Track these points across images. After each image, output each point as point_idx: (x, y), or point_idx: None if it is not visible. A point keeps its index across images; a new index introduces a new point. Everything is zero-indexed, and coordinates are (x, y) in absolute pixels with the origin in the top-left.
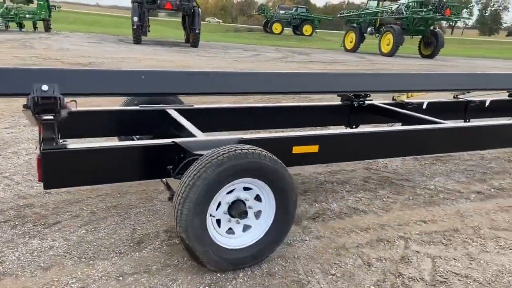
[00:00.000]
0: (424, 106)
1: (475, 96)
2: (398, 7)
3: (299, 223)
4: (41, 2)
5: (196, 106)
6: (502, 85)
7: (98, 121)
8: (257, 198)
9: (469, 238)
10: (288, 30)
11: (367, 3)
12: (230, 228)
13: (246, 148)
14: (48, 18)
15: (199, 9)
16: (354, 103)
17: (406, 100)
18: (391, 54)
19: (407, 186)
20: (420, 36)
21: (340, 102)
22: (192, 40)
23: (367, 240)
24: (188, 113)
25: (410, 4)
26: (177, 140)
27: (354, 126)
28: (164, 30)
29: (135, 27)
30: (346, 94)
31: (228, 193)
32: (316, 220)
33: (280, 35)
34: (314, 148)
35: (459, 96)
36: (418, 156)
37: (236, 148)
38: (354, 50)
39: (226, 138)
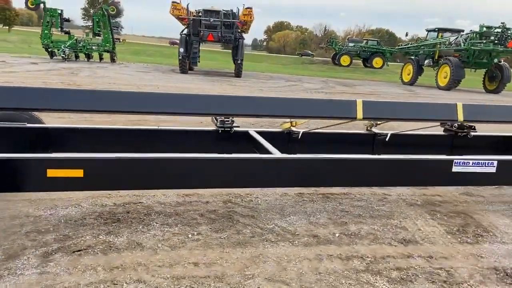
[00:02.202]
0: (299, 136)
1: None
2: (456, 38)
3: (50, 255)
4: (106, 36)
5: (28, 125)
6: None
7: None
8: None
9: (216, 286)
10: (359, 63)
11: (426, 35)
12: None
13: None
14: (111, 50)
15: (243, 41)
16: (219, 128)
17: (294, 129)
18: (448, 88)
19: (242, 223)
20: (485, 70)
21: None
22: (235, 70)
23: (90, 282)
24: (18, 132)
25: (469, 35)
26: None
27: None
28: (229, 62)
29: (180, 57)
30: (212, 118)
31: None
32: (72, 254)
33: (348, 68)
34: (78, 173)
35: (372, 128)
36: (308, 191)
37: None
38: (411, 83)
39: None
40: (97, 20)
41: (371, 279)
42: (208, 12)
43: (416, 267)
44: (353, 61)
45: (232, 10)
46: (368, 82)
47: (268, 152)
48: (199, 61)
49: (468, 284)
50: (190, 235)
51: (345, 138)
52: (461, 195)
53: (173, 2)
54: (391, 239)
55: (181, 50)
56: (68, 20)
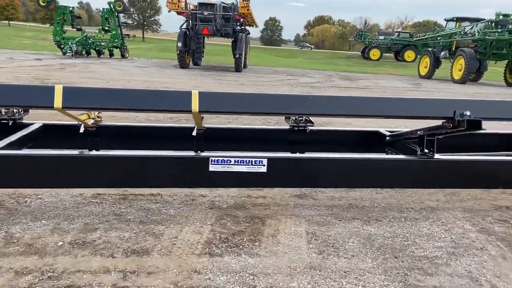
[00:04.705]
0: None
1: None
2: (471, 28)
3: None
4: (114, 32)
5: None
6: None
7: None
8: None
9: None
10: (391, 56)
11: (445, 25)
12: None
13: None
14: (120, 46)
15: (243, 35)
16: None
17: (89, 122)
18: (463, 81)
19: None
20: (506, 61)
21: None
22: (235, 65)
23: None
24: None
25: (483, 24)
26: None
27: None
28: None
29: (178, 52)
30: None
31: None
32: None
33: (378, 62)
34: None
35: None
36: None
37: None
38: (428, 76)
39: None
40: (106, 16)
41: None
42: (203, 5)
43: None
44: (385, 54)
45: (233, 3)
46: (383, 76)
47: None
48: (203, 56)
49: None
50: None
51: (158, 132)
52: (289, 197)
53: None
54: (118, 248)
55: (179, 44)
56: (79, 17)
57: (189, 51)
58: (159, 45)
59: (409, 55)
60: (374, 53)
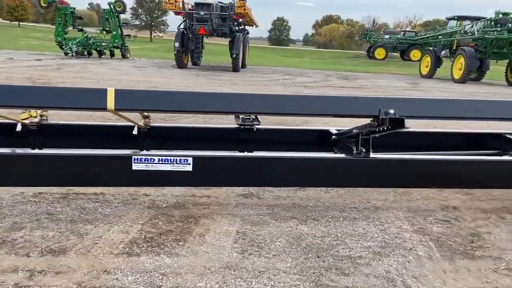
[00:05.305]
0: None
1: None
2: (471, 27)
3: None
4: (114, 32)
5: None
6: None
7: None
8: None
9: None
10: (397, 56)
11: (447, 24)
12: None
13: None
14: (120, 46)
15: (240, 35)
16: None
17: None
18: (463, 80)
19: None
20: (508, 60)
21: None
22: (232, 64)
23: None
24: None
25: (482, 23)
26: None
27: None
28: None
29: (175, 52)
30: None
31: None
32: None
33: (383, 61)
34: None
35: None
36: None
37: None
38: (430, 75)
39: None
40: (106, 17)
41: None
42: (199, 5)
43: None
44: (391, 54)
45: (230, 3)
46: (385, 75)
47: None
48: (201, 56)
49: None
50: None
51: (103, 131)
52: (234, 197)
53: None
54: (36, 248)
55: (176, 44)
56: (81, 18)
57: (187, 51)
58: (165, 45)
59: (415, 54)
60: (379, 53)
